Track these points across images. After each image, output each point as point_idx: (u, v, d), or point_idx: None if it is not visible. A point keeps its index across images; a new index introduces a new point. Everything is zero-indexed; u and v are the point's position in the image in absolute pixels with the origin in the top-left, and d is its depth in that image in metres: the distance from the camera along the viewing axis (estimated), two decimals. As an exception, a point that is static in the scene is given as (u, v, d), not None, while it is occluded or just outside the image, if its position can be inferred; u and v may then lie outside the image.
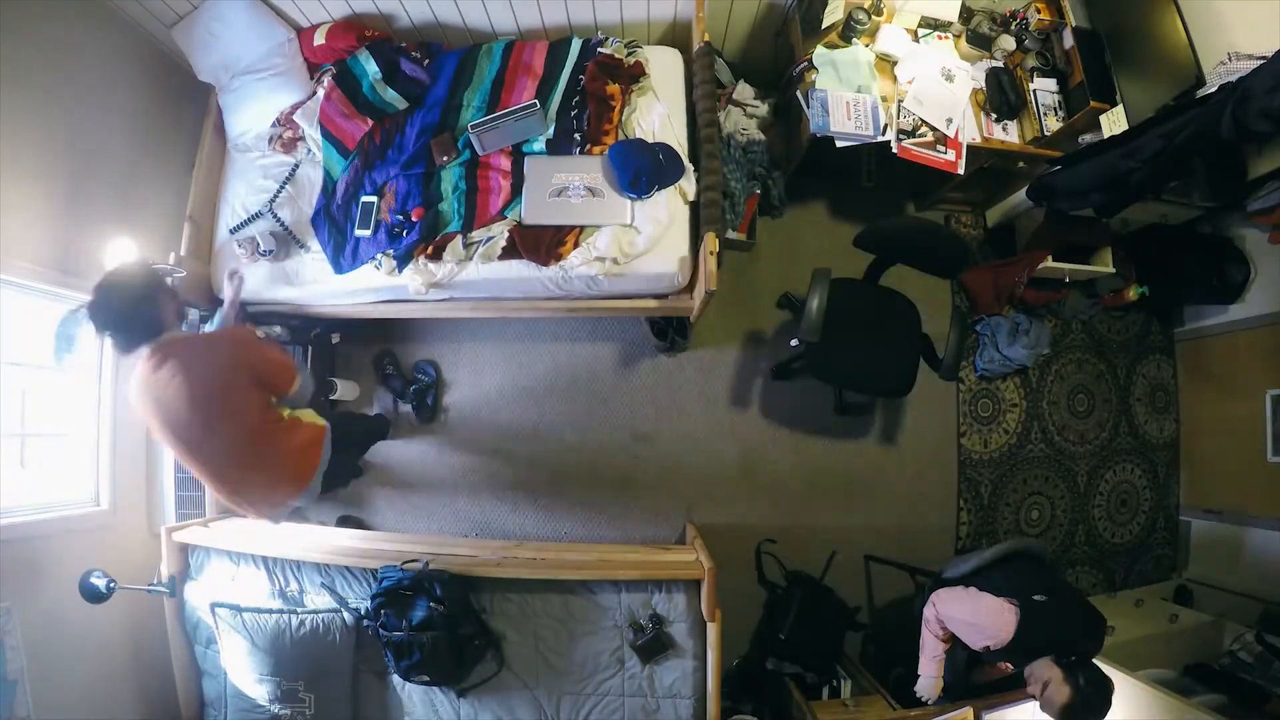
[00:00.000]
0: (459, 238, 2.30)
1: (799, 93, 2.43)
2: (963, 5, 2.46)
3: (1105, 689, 1.70)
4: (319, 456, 1.86)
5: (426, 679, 2.05)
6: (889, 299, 2.48)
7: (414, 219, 2.34)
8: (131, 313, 1.65)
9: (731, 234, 2.72)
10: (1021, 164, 2.61)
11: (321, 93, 2.51)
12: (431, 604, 1.96)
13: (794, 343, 2.40)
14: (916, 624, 2.07)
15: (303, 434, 1.85)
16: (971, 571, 2.07)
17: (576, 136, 2.34)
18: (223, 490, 1.79)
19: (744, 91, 2.76)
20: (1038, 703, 1.78)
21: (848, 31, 2.42)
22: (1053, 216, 2.62)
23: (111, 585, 2.07)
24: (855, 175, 2.98)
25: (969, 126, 2.43)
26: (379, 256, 2.33)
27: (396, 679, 2.12)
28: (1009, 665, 1.89)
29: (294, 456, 1.82)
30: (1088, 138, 2.39)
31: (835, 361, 2.37)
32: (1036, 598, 1.80)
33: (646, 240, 2.22)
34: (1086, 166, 2.23)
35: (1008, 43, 2.46)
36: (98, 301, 1.64)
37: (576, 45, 2.49)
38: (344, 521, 2.86)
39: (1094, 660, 1.77)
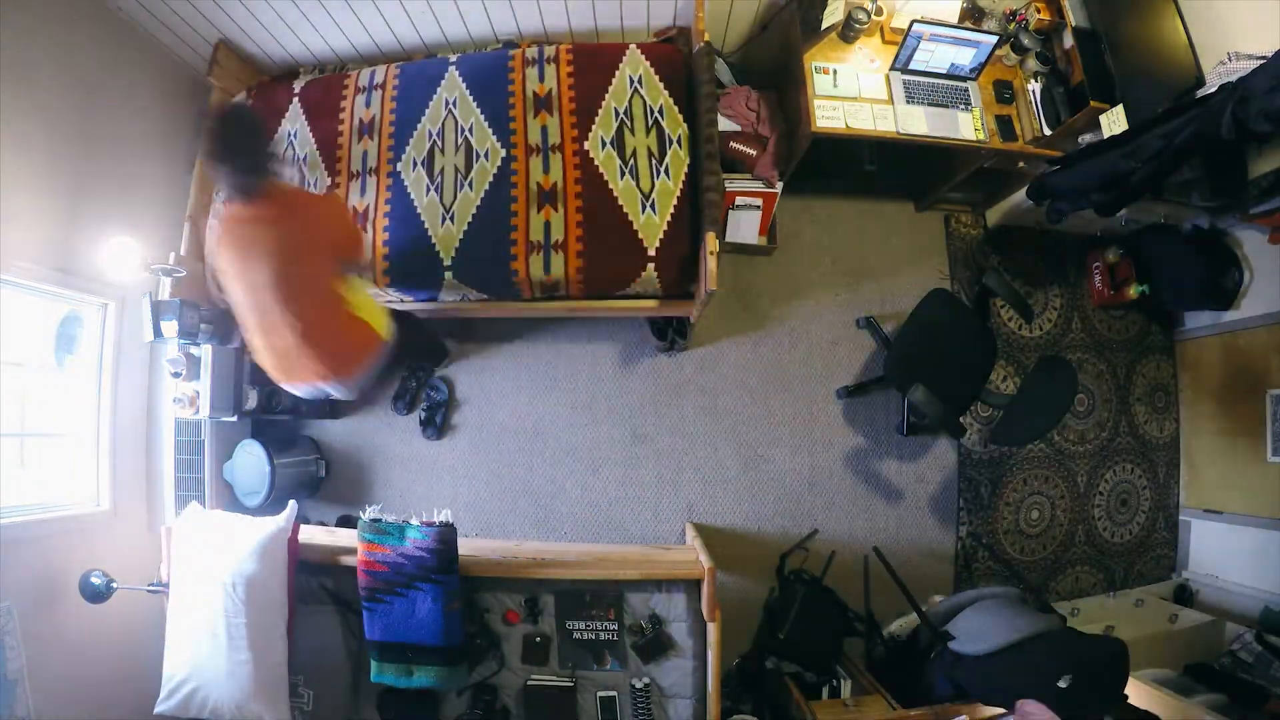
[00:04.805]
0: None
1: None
2: (963, 5, 2.45)
3: None
4: (368, 361, 1.98)
5: (426, 679, 2.05)
6: (965, 321, 2.54)
7: (414, 219, 2.34)
8: (254, 140, 1.76)
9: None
10: (1021, 164, 2.61)
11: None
12: (432, 604, 1.96)
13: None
14: (918, 653, 2.02)
15: (360, 333, 1.94)
16: (988, 653, 1.99)
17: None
18: (271, 347, 1.88)
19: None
20: None
21: (847, 32, 2.42)
22: (1052, 216, 2.62)
23: (111, 585, 2.08)
24: (856, 166, 2.94)
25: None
26: (379, 256, 2.33)
27: (396, 679, 2.12)
28: None
29: (346, 347, 1.92)
30: (1088, 138, 2.39)
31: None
32: (1061, 684, 1.78)
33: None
34: (1086, 166, 2.23)
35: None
36: (227, 124, 1.78)
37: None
38: (344, 521, 2.86)
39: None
